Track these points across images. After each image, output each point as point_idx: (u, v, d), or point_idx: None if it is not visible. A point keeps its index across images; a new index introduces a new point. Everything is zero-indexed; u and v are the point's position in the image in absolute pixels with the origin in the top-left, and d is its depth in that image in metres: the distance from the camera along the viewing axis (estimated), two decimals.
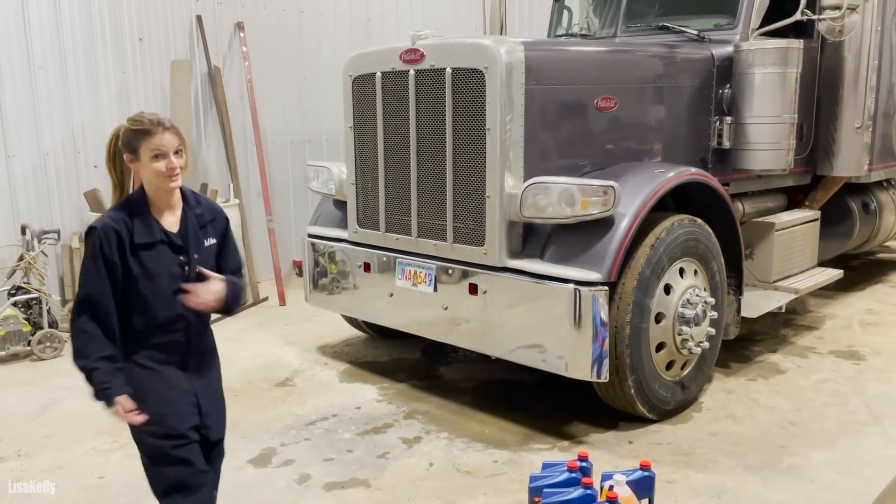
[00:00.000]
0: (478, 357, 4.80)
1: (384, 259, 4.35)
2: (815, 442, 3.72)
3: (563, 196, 3.57)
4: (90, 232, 2.29)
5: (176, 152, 2.30)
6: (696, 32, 4.82)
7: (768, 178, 5.10)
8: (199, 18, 6.54)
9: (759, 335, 5.26)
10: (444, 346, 4.99)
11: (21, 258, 5.35)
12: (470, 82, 3.77)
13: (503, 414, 4.07)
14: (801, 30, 4.89)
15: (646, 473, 2.78)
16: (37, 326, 5.21)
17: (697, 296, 3.90)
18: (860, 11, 4.88)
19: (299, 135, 7.41)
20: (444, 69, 3.84)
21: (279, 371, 4.84)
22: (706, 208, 4.20)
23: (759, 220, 5.02)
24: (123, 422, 2.29)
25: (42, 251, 5.39)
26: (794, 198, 5.57)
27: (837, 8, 4.62)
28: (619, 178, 3.68)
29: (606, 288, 3.50)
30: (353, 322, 5.30)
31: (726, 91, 4.68)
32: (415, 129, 4.04)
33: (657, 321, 3.78)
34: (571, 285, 3.49)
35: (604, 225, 3.60)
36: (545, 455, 3.58)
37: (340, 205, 4.84)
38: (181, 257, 2.35)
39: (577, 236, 3.65)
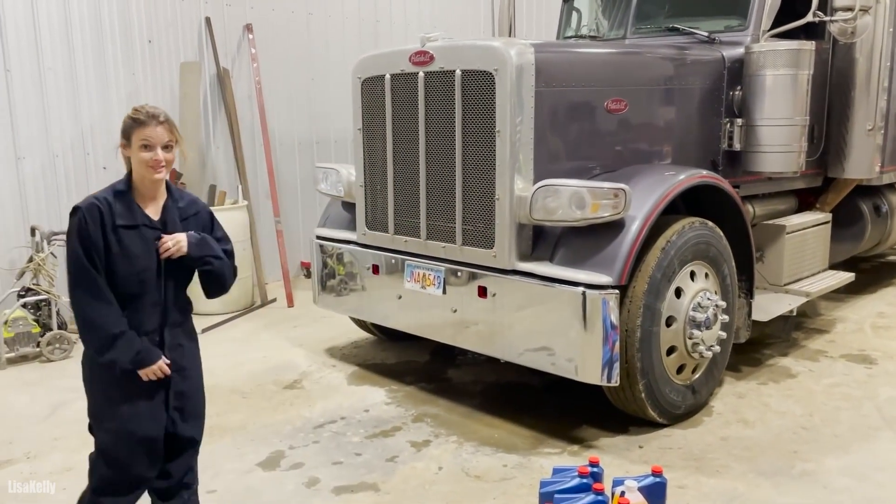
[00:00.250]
0: (486, 360, 4.79)
1: (393, 261, 4.34)
2: (827, 447, 3.68)
3: (573, 198, 3.54)
4: (75, 211, 2.38)
5: (166, 147, 2.40)
6: (706, 34, 4.79)
7: (779, 181, 5.06)
8: (208, 20, 6.55)
9: (770, 338, 5.22)
10: (452, 349, 4.98)
11: (30, 260, 5.36)
12: (480, 84, 3.76)
13: (512, 417, 4.05)
14: (812, 31, 4.85)
15: (657, 479, 2.75)
16: (46, 328, 5.23)
17: (708, 299, 3.87)
18: (872, 13, 4.85)
19: (307, 136, 7.41)
20: (454, 71, 3.82)
21: (288, 373, 4.83)
22: (716, 211, 4.17)
23: (770, 222, 4.99)
24: (159, 376, 2.42)
25: (51, 253, 5.40)
26: (805, 200, 5.53)
27: (850, 9, 4.59)
28: (629, 181, 3.66)
29: (617, 291, 3.48)
30: (361, 324, 5.29)
31: (737, 93, 4.65)
32: (424, 132, 4.03)
33: (668, 325, 3.76)
34: (582, 288, 3.47)
35: (614, 228, 3.57)
36: (555, 459, 3.56)
37: (349, 207, 4.83)
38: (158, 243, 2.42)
39: (587, 239, 3.63)
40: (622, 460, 3.55)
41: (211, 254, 2.50)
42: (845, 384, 4.47)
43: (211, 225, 2.60)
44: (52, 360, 5.10)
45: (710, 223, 3.99)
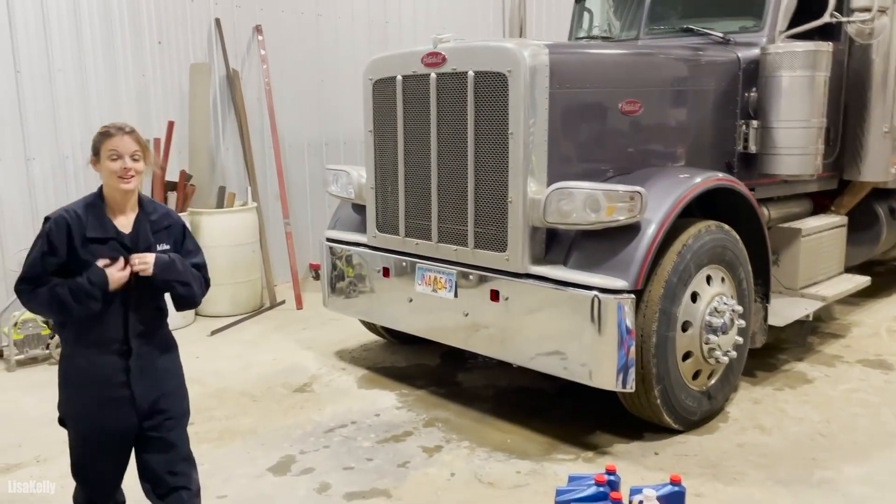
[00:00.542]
0: (496, 363, 4.74)
1: (403, 264, 4.30)
2: (846, 454, 3.62)
3: (588, 201, 3.50)
4: (45, 221, 2.47)
5: (134, 157, 2.46)
6: (721, 35, 4.74)
7: (794, 184, 5.00)
8: (217, 22, 6.53)
9: (785, 343, 5.16)
10: (462, 352, 4.93)
11: None
12: (493, 86, 3.71)
13: (524, 422, 4.01)
14: (828, 32, 4.79)
15: (676, 488, 2.69)
16: (55, 330, 5.21)
17: (725, 304, 3.82)
18: (890, 13, 4.79)
19: (317, 138, 7.38)
20: (467, 73, 3.78)
21: (297, 376, 4.80)
22: (731, 213, 4.12)
23: (786, 225, 4.92)
24: (123, 273, 2.43)
25: None
26: (820, 203, 5.47)
27: (868, 10, 4.52)
28: (644, 184, 3.61)
29: (633, 296, 3.43)
30: (370, 327, 5.25)
31: (752, 94, 4.60)
32: (436, 133, 3.99)
33: (684, 330, 3.70)
34: (597, 293, 3.42)
35: (630, 231, 3.52)
36: (569, 466, 3.51)
37: (359, 209, 4.80)
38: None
39: (601, 242, 3.58)
40: (637, 467, 3.50)
41: (177, 279, 2.53)
42: (862, 390, 4.40)
43: (183, 237, 2.64)
44: None
45: (727, 226, 3.94)
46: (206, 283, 2.67)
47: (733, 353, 3.88)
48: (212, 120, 6.55)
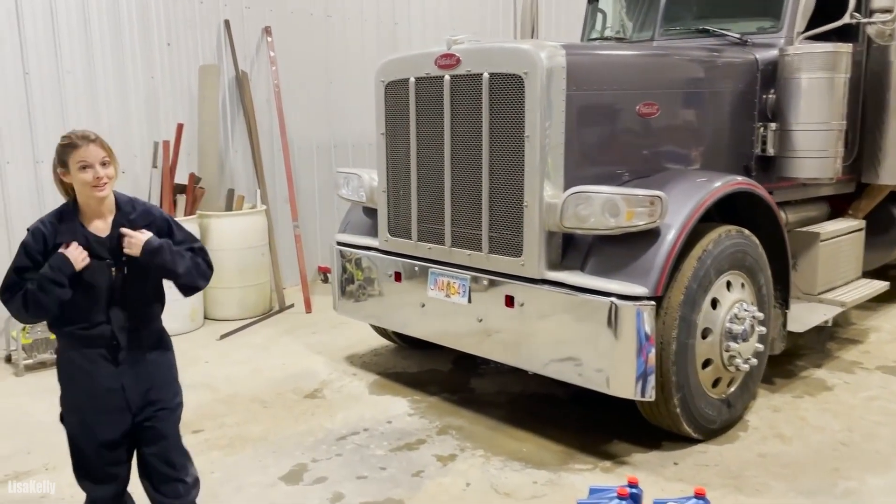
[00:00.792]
0: (509, 370, 4.67)
1: (416, 268, 4.24)
2: (869, 464, 3.54)
3: (606, 206, 3.43)
4: (27, 232, 2.54)
5: (103, 163, 2.46)
6: (738, 36, 4.67)
7: (812, 187, 4.93)
8: (226, 23, 6.48)
9: (803, 349, 5.07)
10: (474, 358, 4.87)
11: None
12: (508, 88, 3.65)
13: (540, 430, 3.94)
14: (845, 33, 4.71)
15: (700, 502, 2.63)
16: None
17: (745, 310, 3.74)
18: None
19: (326, 140, 7.33)
20: (482, 74, 3.72)
21: (308, 381, 4.74)
22: (749, 217, 4.04)
23: (804, 229, 4.84)
24: (84, 252, 2.47)
25: None
26: (838, 206, 5.38)
27: (889, 11, 4.45)
28: (663, 187, 3.54)
29: (653, 303, 3.35)
30: (381, 331, 5.19)
31: (770, 96, 4.52)
32: (450, 136, 3.93)
33: (704, 337, 3.63)
34: (616, 299, 3.35)
35: (649, 236, 3.45)
36: (587, 476, 3.44)
37: (370, 212, 4.74)
38: (107, 259, 2.51)
39: (620, 248, 3.51)
40: (657, 478, 3.42)
41: (163, 265, 2.53)
42: (883, 397, 4.32)
43: (169, 231, 2.63)
44: None
45: (746, 231, 3.86)
46: (208, 266, 2.67)
47: (754, 361, 3.81)
48: (221, 122, 6.51)
